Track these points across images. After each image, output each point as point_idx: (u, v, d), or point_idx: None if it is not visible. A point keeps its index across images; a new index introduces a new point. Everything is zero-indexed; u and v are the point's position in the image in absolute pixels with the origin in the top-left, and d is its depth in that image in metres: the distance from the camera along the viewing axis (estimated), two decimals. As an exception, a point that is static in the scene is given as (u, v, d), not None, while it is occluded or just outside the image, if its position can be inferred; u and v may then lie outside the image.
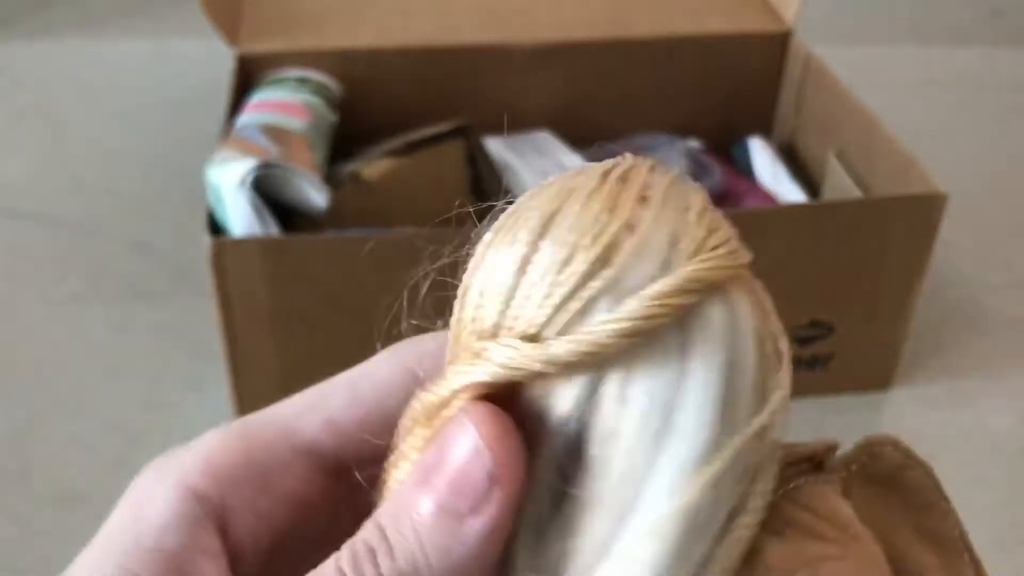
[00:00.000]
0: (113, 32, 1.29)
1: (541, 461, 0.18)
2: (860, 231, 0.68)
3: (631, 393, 0.17)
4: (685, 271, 0.18)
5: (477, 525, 0.18)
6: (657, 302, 0.17)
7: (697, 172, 0.84)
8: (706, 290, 0.18)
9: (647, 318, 0.17)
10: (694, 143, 0.90)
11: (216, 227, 0.64)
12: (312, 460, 0.21)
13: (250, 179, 0.63)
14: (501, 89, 0.88)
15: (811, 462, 0.20)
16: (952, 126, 1.13)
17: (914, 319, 0.73)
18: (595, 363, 0.18)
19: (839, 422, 0.72)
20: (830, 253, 0.68)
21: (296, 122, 0.75)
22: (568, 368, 0.18)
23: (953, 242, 0.90)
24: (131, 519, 0.20)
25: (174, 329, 0.80)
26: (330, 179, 0.74)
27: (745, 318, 0.18)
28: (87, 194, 0.97)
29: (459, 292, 0.20)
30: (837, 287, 0.70)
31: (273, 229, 0.65)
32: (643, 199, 0.18)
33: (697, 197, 0.19)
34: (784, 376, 0.18)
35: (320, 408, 0.22)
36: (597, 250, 0.18)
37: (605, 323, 0.17)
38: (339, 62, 0.85)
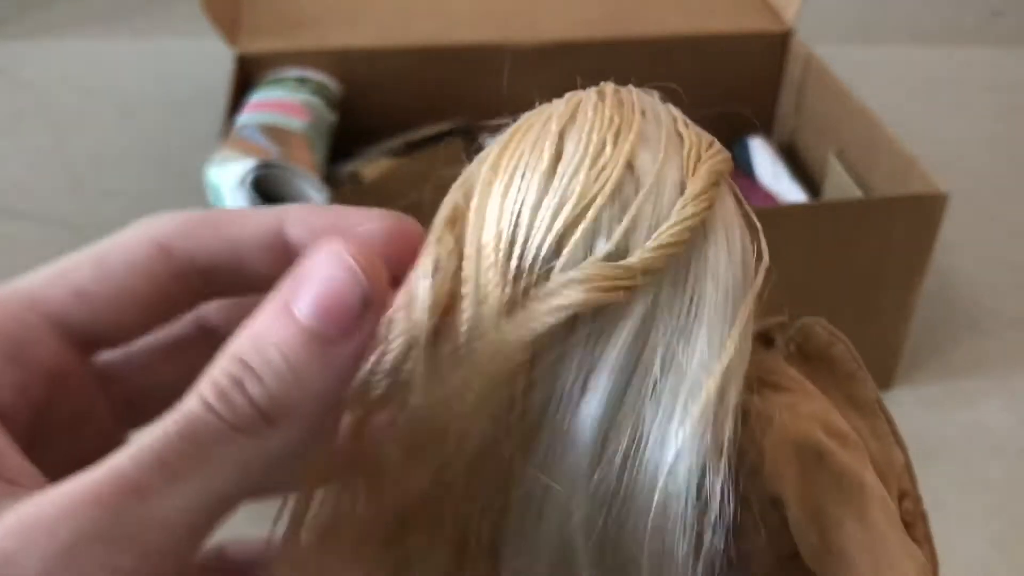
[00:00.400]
0: (113, 32, 1.29)
1: (563, 370, 0.19)
2: (860, 231, 0.68)
3: (687, 284, 0.20)
4: (706, 167, 0.20)
5: (348, 348, 0.18)
6: (703, 197, 0.19)
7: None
8: (721, 182, 0.20)
9: (701, 212, 0.19)
10: (694, 143, 0.90)
11: (216, 227, 0.65)
12: (62, 332, 0.20)
13: (250, 179, 0.63)
14: (500, 89, 0.88)
15: (763, 339, 0.23)
16: (952, 126, 1.13)
17: (914, 319, 0.73)
18: (670, 263, 0.19)
19: (839, 422, 0.72)
20: (831, 253, 0.68)
21: (296, 122, 0.75)
22: (655, 274, 0.19)
23: (953, 242, 0.90)
24: None
25: (174, 329, 0.80)
26: (329, 179, 0.74)
27: (732, 200, 0.21)
28: (86, 194, 0.97)
29: (465, 211, 0.20)
30: (838, 287, 0.70)
31: (273, 229, 0.65)
32: (642, 112, 0.20)
33: (673, 109, 0.22)
34: (763, 245, 0.21)
35: (67, 280, 0.20)
36: (624, 152, 0.19)
37: (678, 223, 0.19)
38: (338, 62, 0.85)
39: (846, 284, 0.70)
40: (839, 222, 0.67)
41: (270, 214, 0.21)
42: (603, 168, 0.19)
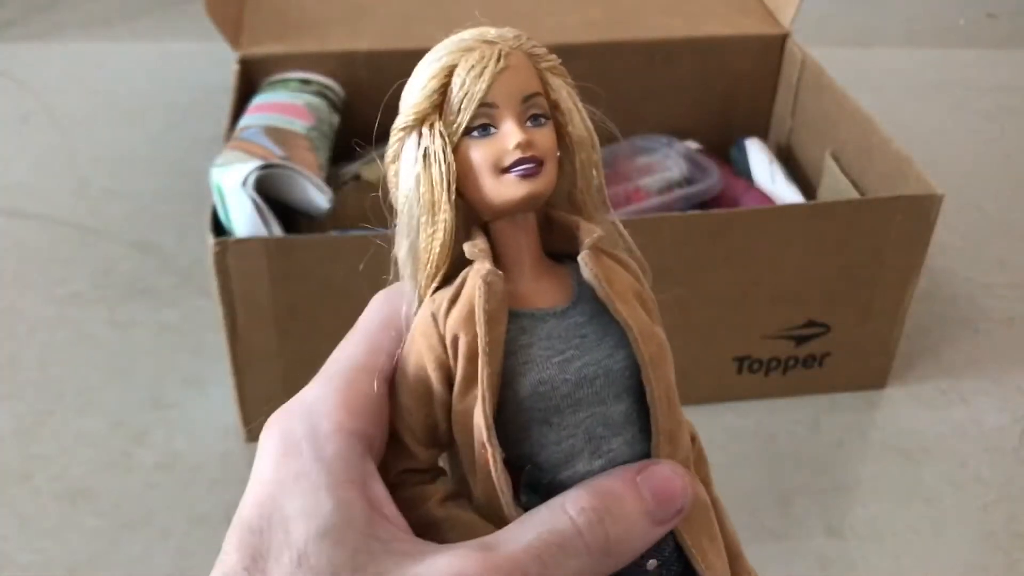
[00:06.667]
0: (117, 35, 1.30)
1: None
2: (856, 231, 0.68)
3: None
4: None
5: (662, 531, 0.25)
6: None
7: (695, 173, 0.85)
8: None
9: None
10: (692, 144, 0.91)
11: (220, 228, 0.65)
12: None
13: (252, 179, 0.64)
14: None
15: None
16: (947, 127, 1.14)
17: (909, 318, 0.74)
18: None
19: (835, 420, 0.73)
20: (826, 253, 0.69)
21: (298, 124, 0.76)
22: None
23: (948, 242, 0.91)
24: (316, 460, 0.24)
25: (177, 328, 0.81)
26: (332, 180, 0.74)
27: None
28: (91, 195, 0.98)
29: None
30: (833, 287, 0.71)
31: (276, 230, 0.65)
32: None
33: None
34: None
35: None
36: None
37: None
38: (341, 64, 0.86)
39: (841, 284, 0.71)
40: (835, 222, 0.68)
41: None
42: None
